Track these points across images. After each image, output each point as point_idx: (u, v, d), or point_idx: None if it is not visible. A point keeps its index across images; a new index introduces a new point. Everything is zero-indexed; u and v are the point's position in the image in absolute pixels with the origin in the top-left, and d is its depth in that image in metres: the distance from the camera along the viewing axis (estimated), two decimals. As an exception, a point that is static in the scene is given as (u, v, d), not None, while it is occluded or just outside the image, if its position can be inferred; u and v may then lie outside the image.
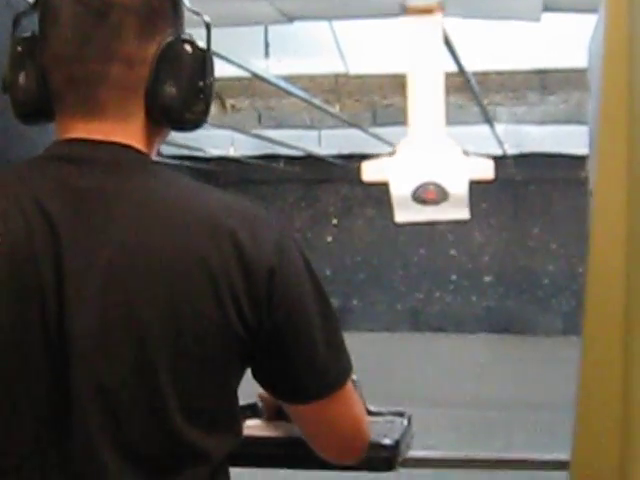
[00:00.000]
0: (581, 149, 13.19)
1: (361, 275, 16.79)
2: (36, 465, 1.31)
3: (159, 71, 1.37)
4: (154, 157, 1.46)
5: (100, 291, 1.30)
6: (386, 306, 16.85)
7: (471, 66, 7.37)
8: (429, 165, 5.08)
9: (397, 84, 9.17)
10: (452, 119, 11.42)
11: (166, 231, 1.33)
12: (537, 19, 5.61)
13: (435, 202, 5.10)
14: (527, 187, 16.27)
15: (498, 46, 7.59)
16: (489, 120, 10.46)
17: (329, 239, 16.83)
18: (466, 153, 5.45)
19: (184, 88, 1.39)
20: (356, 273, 16.77)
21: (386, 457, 1.63)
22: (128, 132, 1.39)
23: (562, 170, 14.94)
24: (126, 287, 1.31)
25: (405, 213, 5.36)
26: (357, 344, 10.02)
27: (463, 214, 5.65)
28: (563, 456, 1.84)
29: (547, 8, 5.38)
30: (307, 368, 1.41)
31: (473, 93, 8.28)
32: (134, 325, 1.31)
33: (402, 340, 15.54)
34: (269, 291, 1.36)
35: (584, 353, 1.70)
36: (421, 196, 5.08)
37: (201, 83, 1.41)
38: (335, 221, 17.18)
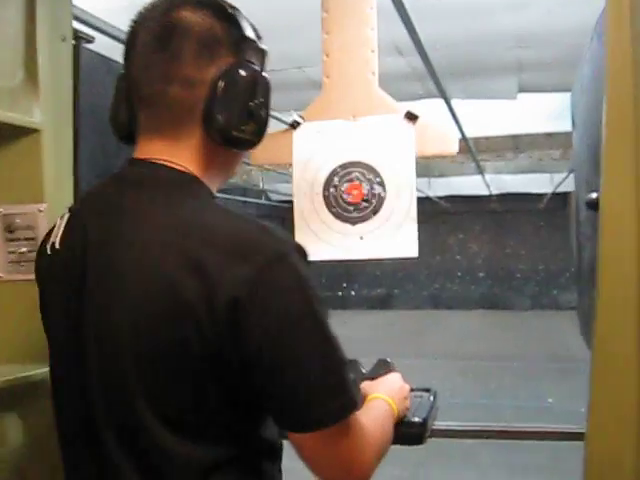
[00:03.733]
0: (540, 189, 13.60)
1: (399, 274, 16.63)
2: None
3: (215, 93, 1.02)
4: (216, 176, 1.10)
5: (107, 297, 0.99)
6: (415, 293, 16.61)
7: (468, 133, 7.11)
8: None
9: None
10: (455, 172, 11.51)
11: (147, 251, 0.96)
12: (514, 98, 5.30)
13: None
14: (505, 215, 16.03)
15: (484, 118, 7.28)
16: (481, 171, 10.31)
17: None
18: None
19: (234, 108, 1.03)
20: (395, 273, 16.64)
21: (417, 433, 1.31)
22: (179, 151, 1.04)
23: (527, 204, 14.88)
24: (106, 295, 0.99)
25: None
26: (397, 318, 9.94)
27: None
28: (581, 429, 1.35)
29: (521, 89, 5.07)
30: (290, 403, 0.95)
31: (470, 153, 8.10)
32: (110, 335, 0.99)
33: (426, 315, 15.24)
34: (232, 322, 0.92)
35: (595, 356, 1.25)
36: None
37: (251, 104, 1.04)
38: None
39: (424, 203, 15.30)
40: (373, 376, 1.39)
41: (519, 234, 16.38)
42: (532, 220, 15.99)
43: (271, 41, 1.15)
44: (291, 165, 1.64)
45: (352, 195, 1.55)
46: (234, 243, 0.94)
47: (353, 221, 1.54)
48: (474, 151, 8.16)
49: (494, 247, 16.61)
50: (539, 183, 12.99)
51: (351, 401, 0.96)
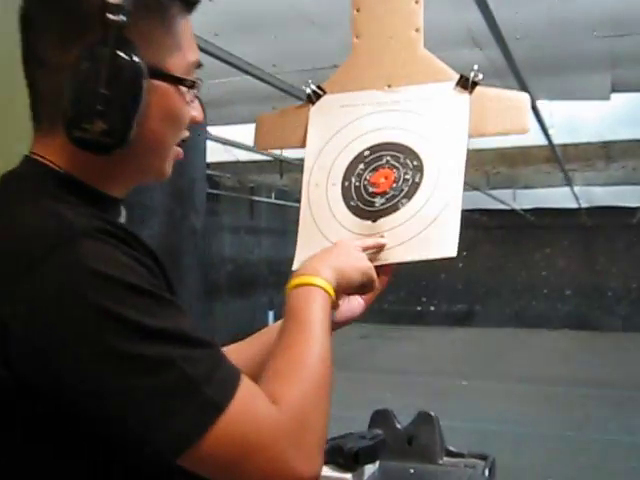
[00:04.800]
0: (633, 203, 12.92)
1: (482, 289, 15.99)
2: None
3: (72, 80, 0.77)
4: (112, 178, 0.86)
5: None
6: (498, 310, 15.90)
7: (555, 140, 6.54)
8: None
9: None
10: (542, 183, 10.90)
11: None
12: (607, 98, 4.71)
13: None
14: (594, 230, 15.30)
15: (573, 122, 6.69)
16: (569, 182, 9.69)
17: (460, 265, 15.89)
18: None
19: (80, 100, 0.77)
20: (477, 288, 16.01)
21: None
22: (52, 147, 0.83)
23: (619, 218, 14.25)
24: None
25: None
26: (478, 337, 9.41)
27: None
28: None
29: (615, 88, 4.50)
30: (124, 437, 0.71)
31: (558, 162, 7.52)
32: None
33: (509, 334, 14.52)
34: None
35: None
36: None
37: (102, 94, 0.77)
38: (465, 253, 16.48)
39: (508, 216, 14.71)
40: (411, 434, 1.00)
41: (610, 250, 15.51)
42: (624, 235, 15.11)
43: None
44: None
45: (378, 184, 1.14)
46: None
47: (375, 216, 1.13)
48: (562, 160, 7.55)
49: (583, 263, 15.77)
50: (632, 196, 12.45)
51: (210, 404, 0.70)
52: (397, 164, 1.15)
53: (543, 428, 6.48)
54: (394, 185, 1.13)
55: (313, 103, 1.26)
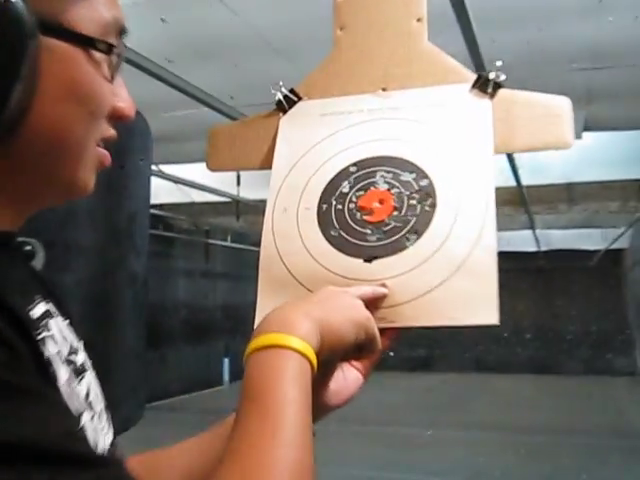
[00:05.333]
0: (590, 246, 12.98)
1: (441, 333, 15.82)
2: None
3: None
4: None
5: None
6: (458, 355, 15.70)
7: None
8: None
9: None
10: (503, 226, 10.81)
11: None
12: (579, 137, 4.52)
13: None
14: (553, 273, 15.36)
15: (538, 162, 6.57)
16: (532, 225, 9.60)
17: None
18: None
19: None
20: (437, 332, 15.84)
21: None
22: None
23: (577, 261, 14.29)
24: None
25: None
26: (437, 381, 9.19)
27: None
28: None
29: (588, 127, 4.33)
30: None
31: (524, 204, 7.36)
32: None
33: (470, 379, 14.30)
34: None
35: None
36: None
37: None
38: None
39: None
40: None
41: (567, 293, 15.50)
42: (582, 279, 15.12)
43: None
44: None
45: (372, 211, 0.84)
46: None
47: (368, 254, 0.82)
48: (527, 201, 7.40)
49: (540, 307, 15.70)
50: (589, 239, 12.57)
51: None
52: (396, 183, 0.85)
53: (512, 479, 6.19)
54: (395, 213, 0.83)
55: (284, 111, 0.96)
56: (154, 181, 2.68)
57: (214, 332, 12.06)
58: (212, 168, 0.97)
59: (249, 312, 0.78)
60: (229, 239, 11.64)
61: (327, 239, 0.82)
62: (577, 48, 3.19)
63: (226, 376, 11.61)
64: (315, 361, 0.59)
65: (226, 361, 11.41)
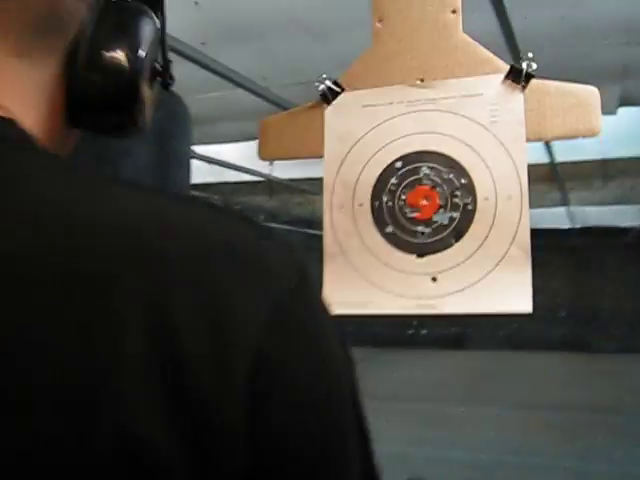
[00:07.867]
0: (626, 223, 12.88)
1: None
2: None
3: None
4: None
5: None
6: (491, 333, 15.73)
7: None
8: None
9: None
10: (535, 203, 10.78)
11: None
12: (613, 113, 4.51)
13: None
14: (586, 250, 15.29)
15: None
16: (566, 202, 9.55)
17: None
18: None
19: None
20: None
21: None
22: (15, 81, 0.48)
23: (612, 238, 14.22)
24: None
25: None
26: (470, 359, 9.23)
27: None
28: None
29: (623, 102, 4.31)
30: None
31: (558, 181, 7.34)
32: None
33: (502, 357, 14.33)
34: (249, 405, 0.38)
35: None
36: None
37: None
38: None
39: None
40: None
41: (603, 270, 15.43)
42: (617, 256, 15.05)
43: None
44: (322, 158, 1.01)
45: (420, 207, 0.92)
46: (205, 253, 0.42)
47: (421, 250, 0.90)
48: (561, 178, 7.37)
49: (574, 284, 15.66)
50: (625, 215, 12.44)
51: None
52: (439, 180, 0.92)
53: (541, 457, 6.24)
54: (440, 210, 0.91)
55: (329, 103, 1.04)
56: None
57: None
58: (263, 157, 1.05)
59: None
60: (262, 219, 11.77)
61: (382, 234, 0.90)
62: (611, 24, 3.19)
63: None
64: None
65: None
